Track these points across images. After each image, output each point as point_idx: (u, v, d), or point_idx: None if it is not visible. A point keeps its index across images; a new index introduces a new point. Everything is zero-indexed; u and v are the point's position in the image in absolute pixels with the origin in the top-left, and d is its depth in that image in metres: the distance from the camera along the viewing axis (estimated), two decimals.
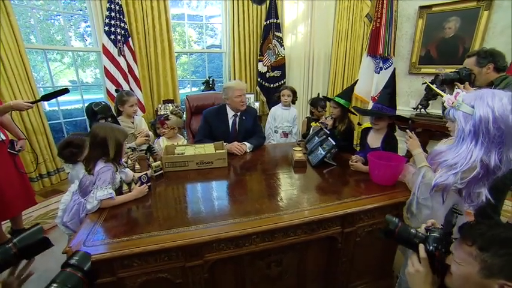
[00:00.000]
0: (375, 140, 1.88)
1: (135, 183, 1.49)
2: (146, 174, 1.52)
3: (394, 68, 3.33)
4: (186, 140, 2.60)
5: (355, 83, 2.45)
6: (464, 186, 1.14)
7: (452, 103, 1.13)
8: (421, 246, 0.77)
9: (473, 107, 1.07)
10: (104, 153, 1.39)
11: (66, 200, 1.52)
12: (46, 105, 4.72)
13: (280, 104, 2.92)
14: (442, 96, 1.24)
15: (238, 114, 2.35)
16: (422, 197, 1.32)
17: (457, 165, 1.11)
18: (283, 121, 2.86)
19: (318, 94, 2.92)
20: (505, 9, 2.92)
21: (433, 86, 1.56)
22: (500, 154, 1.05)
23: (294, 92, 2.88)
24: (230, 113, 2.35)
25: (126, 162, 1.84)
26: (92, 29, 3.54)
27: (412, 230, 0.83)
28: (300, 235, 1.32)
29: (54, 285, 0.58)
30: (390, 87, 1.82)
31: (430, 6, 3.49)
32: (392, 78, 1.82)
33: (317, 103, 2.82)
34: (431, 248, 0.76)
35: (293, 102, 2.91)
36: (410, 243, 0.82)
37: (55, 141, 3.27)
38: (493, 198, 1.16)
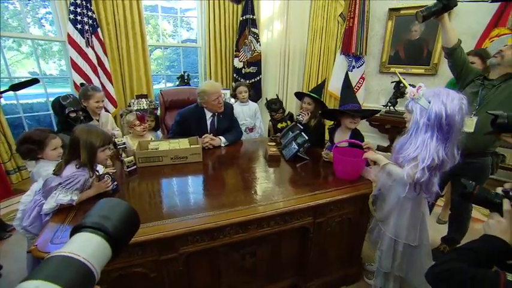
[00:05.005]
0: (342, 139, 1.90)
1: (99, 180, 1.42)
2: (109, 173, 1.47)
3: (347, 71, 3.52)
4: (154, 137, 2.53)
5: (325, 80, 2.55)
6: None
7: (414, 95, 1.21)
8: (506, 200, 0.81)
9: (430, 102, 1.17)
10: (76, 155, 1.31)
11: (26, 200, 1.42)
12: (1, 99, 4.33)
13: (238, 101, 2.93)
14: (406, 87, 1.33)
15: (216, 114, 2.33)
16: (403, 195, 1.33)
17: (418, 158, 1.20)
18: (245, 117, 2.86)
19: (277, 96, 2.86)
20: (462, 16, 3.19)
21: (401, 77, 1.66)
22: (446, 149, 1.17)
23: (249, 88, 2.94)
24: (208, 114, 2.31)
25: None
26: (54, 16, 3.26)
27: (491, 191, 0.86)
28: (273, 226, 1.36)
29: None
30: (351, 86, 1.92)
31: (398, 9, 3.69)
32: (348, 77, 1.93)
33: (269, 106, 2.72)
34: None
35: (251, 97, 2.95)
36: (490, 203, 0.84)
37: (14, 137, 3.02)
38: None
